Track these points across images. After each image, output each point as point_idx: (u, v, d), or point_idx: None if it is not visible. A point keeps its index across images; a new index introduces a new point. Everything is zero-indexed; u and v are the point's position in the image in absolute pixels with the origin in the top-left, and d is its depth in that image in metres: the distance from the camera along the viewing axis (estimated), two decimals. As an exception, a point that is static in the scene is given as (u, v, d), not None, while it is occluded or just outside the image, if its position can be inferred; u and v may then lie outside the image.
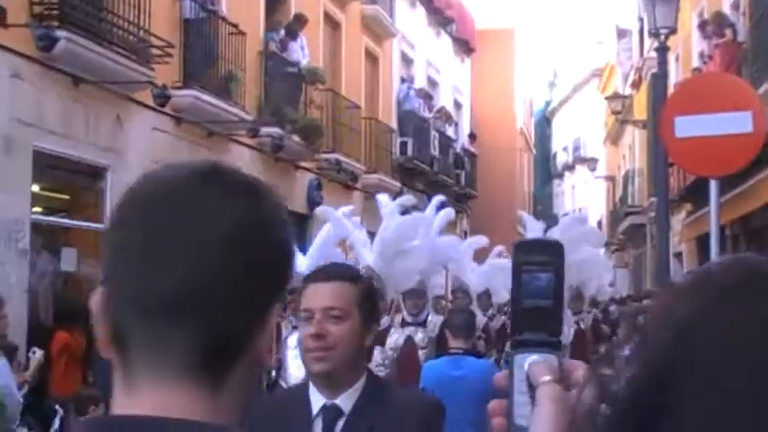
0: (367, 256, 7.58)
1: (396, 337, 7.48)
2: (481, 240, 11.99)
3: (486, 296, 12.36)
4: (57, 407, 7.68)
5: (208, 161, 1.18)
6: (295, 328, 7.76)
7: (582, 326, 11.60)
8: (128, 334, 1.06)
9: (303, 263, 8.02)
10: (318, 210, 8.65)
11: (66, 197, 12.25)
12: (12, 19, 9.44)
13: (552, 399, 1.02)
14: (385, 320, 7.44)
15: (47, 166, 10.90)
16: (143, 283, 1.05)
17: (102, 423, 1.18)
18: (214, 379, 1.06)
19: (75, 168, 11.63)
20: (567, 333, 8.76)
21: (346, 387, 2.59)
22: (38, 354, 7.99)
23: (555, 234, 8.69)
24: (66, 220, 11.91)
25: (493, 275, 12.27)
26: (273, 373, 8.16)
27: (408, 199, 9.05)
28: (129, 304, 1.06)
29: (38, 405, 8.43)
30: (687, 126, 6.67)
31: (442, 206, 9.87)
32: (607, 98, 33.74)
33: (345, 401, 2.58)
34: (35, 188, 10.74)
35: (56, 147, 10.81)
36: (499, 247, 13.74)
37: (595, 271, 11.86)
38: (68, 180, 11.95)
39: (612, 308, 21.19)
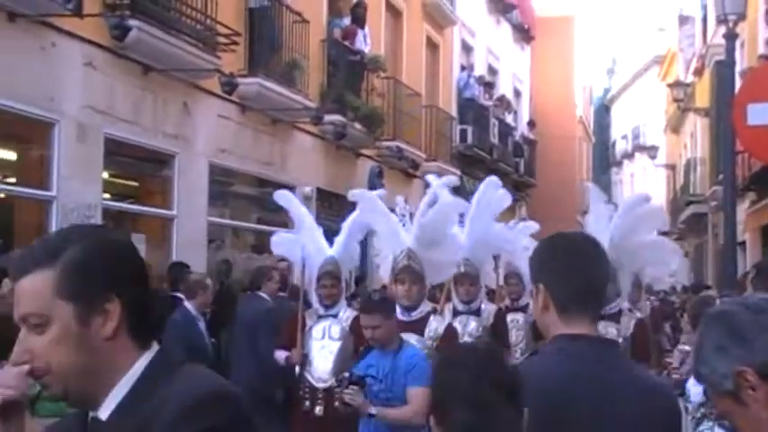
0: (405, 238, 7.06)
1: (435, 326, 6.82)
2: (533, 226, 11.40)
3: None
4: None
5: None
6: (320, 317, 7.58)
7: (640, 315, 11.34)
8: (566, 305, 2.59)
9: (330, 250, 7.68)
10: (351, 192, 7.84)
11: (135, 184, 12.47)
12: (86, 9, 9.61)
13: None
14: (423, 308, 6.90)
15: (117, 153, 11.10)
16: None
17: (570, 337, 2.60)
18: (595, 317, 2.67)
19: (144, 155, 11.84)
20: (627, 325, 8.24)
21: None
22: None
23: (617, 214, 8.17)
24: (134, 207, 12.12)
25: None
26: (298, 369, 7.60)
27: (450, 180, 8.24)
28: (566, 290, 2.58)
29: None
30: (760, 113, 6.62)
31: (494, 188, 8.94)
32: (669, 86, 33.36)
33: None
34: (105, 175, 10.96)
35: (125, 134, 11.02)
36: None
37: (658, 257, 10.96)
38: (137, 167, 12.16)
39: (672, 298, 21.02)
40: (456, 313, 8.11)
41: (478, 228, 8.11)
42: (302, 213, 7.98)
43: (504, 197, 8.51)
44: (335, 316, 7.58)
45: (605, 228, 7.47)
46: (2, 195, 10.17)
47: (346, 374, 5.93)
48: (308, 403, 7.36)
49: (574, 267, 2.63)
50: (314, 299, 7.77)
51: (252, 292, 9.87)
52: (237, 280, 12.51)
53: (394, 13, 20.01)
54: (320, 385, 7.35)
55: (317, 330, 7.56)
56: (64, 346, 1.88)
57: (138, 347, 1.96)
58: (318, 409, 7.28)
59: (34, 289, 1.89)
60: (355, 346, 7.38)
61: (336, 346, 7.49)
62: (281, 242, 8.02)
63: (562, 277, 2.62)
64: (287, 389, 9.04)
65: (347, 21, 16.66)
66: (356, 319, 7.55)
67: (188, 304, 9.11)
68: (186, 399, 1.85)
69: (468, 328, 7.98)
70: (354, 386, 5.75)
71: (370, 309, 6.05)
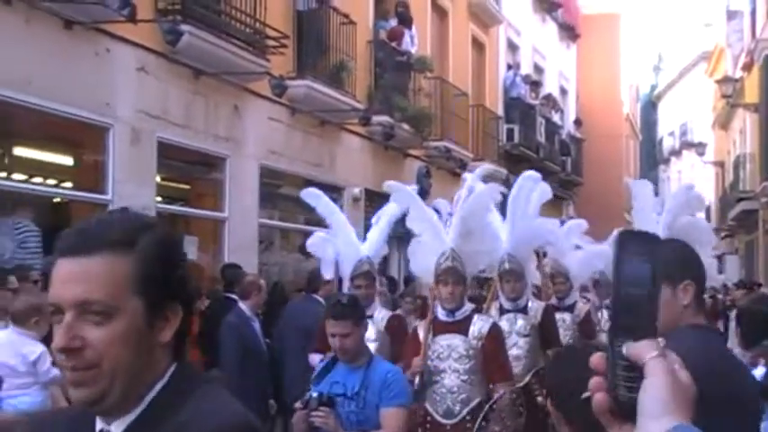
0: (445, 237, 6.74)
1: (480, 325, 6.54)
2: (582, 225, 10.88)
3: (604, 283, 10.97)
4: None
5: None
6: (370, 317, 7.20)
7: None
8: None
9: (365, 247, 7.54)
10: (387, 183, 7.43)
11: (187, 186, 12.62)
12: (139, 15, 9.75)
13: (663, 370, 1.21)
14: (466, 307, 6.63)
15: (169, 157, 11.24)
16: None
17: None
18: None
19: (195, 158, 11.97)
20: None
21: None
22: None
23: (667, 210, 7.92)
24: (187, 209, 12.27)
25: (601, 262, 10.71)
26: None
27: (486, 168, 8.07)
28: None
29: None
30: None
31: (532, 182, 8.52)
32: (717, 81, 33.01)
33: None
34: (158, 178, 11.10)
35: (178, 137, 11.15)
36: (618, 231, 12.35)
37: (694, 237, 10.15)
38: (189, 170, 12.30)
39: (720, 296, 20.78)
40: (503, 311, 7.93)
41: (520, 222, 7.88)
42: (332, 211, 7.84)
43: (544, 190, 8.33)
44: (370, 317, 7.30)
45: (652, 222, 7.39)
46: (59, 199, 10.36)
47: (314, 393, 5.04)
48: None
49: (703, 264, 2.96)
50: None
51: (307, 293, 9.92)
52: (290, 281, 12.61)
53: (440, 12, 20.02)
54: None
55: (370, 332, 7.12)
56: (125, 343, 1.68)
57: (171, 360, 1.80)
58: None
59: (106, 274, 1.68)
60: (392, 348, 7.26)
61: (373, 347, 7.05)
62: (315, 242, 7.89)
63: (703, 273, 2.90)
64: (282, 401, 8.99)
65: (393, 22, 16.72)
66: (392, 319, 7.60)
67: (242, 305, 9.22)
68: (208, 429, 1.68)
69: (516, 327, 7.83)
70: (325, 407, 4.94)
71: (340, 314, 5.14)
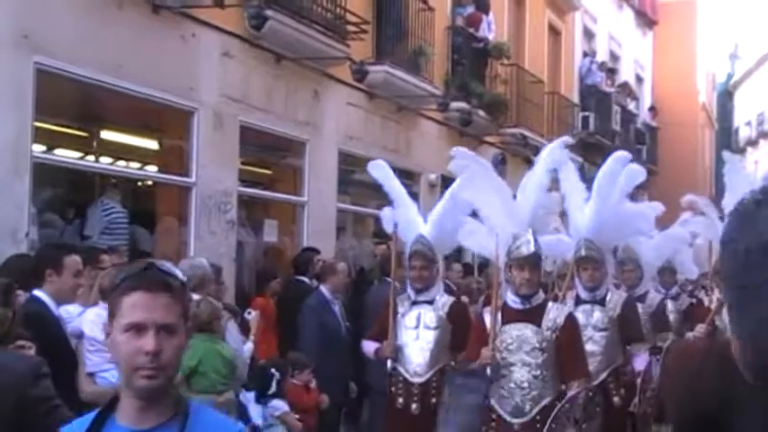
0: (521, 216, 6.23)
1: (554, 315, 6.04)
2: (658, 207, 9.44)
3: (669, 271, 10.26)
4: (272, 370, 7.97)
5: None
6: (415, 303, 6.99)
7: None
8: None
9: (424, 228, 7.01)
10: (455, 150, 6.92)
11: (267, 171, 12.75)
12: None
13: None
14: (540, 295, 6.18)
15: (250, 141, 11.37)
16: None
17: None
18: None
19: (276, 143, 12.10)
20: None
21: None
22: (253, 314, 8.32)
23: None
24: (267, 193, 12.40)
25: (671, 247, 10.17)
26: (390, 363, 6.94)
27: (566, 140, 7.20)
28: None
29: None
30: None
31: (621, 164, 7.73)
32: (797, 70, 32.31)
33: None
34: (239, 161, 11.25)
35: (259, 122, 11.27)
36: (688, 213, 11.18)
37: None
38: (269, 154, 12.43)
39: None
40: (579, 302, 7.37)
41: (605, 207, 7.22)
42: (394, 186, 7.45)
43: (636, 172, 7.58)
44: (431, 302, 6.98)
45: None
46: (146, 182, 10.56)
47: None
48: (401, 400, 6.85)
49: None
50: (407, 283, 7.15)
51: (382, 277, 9.95)
52: (374, 267, 12.66)
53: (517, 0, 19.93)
54: (416, 380, 6.84)
55: (410, 318, 6.97)
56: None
57: None
58: (415, 407, 6.78)
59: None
60: (454, 335, 6.85)
61: (432, 335, 6.90)
62: (386, 218, 7.48)
63: None
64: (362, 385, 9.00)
65: (471, 8, 16.67)
66: (454, 305, 7.11)
67: (323, 288, 9.31)
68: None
69: (593, 320, 7.25)
70: None
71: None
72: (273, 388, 7.87)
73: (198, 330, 6.47)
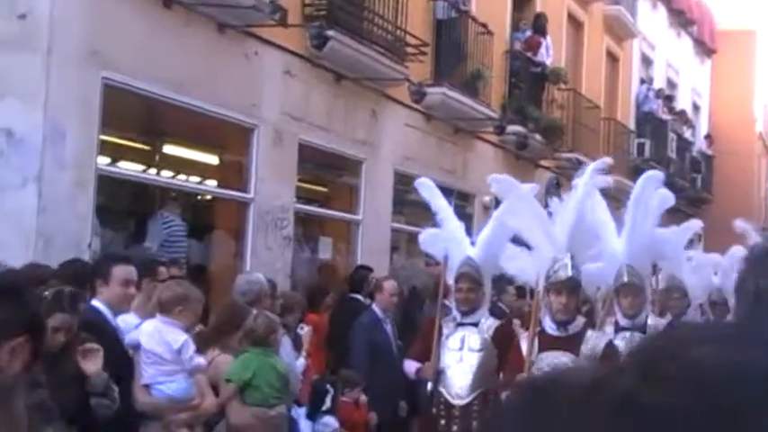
0: (560, 239, 6.06)
1: (594, 343, 5.94)
2: (695, 226, 9.37)
3: (720, 302, 9.43)
4: (327, 386, 8.04)
5: None
6: (460, 325, 6.90)
7: None
8: None
9: (471, 250, 6.91)
10: (492, 177, 6.81)
11: (324, 188, 12.89)
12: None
13: None
14: (578, 321, 6.08)
15: (307, 158, 11.50)
16: None
17: None
18: None
19: (333, 161, 12.23)
20: None
21: None
22: (306, 329, 8.39)
23: None
24: (323, 210, 12.53)
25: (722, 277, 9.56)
26: (430, 385, 6.90)
27: (604, 161, 6.99)
28: None
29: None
30: None
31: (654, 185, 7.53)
32: None
33: None
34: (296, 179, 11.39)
35: (318, 140, 11.42)
36: (737, 247, 10.26)
37: None
38: (326, 172, 12.57)
39: None
40: (618, 329, 7.19)
41: (640, 231, 7.09)
42: (442, 206, 7.33)
43: (665, 197, 7.46)
44: (476, 324, 6.90)
45: None
46: (205, 196, 10.74)
47: None
48: (443, 422, 6.77)
49: None
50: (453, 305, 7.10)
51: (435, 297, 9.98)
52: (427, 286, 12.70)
53: (575, 24, 19.91)
54: (457, 402, 6.77)
55: (454, 340, 6.90)
56: None
57: None
58: (456, 429, 6.70)
59: None
60: (499, 359, 6.78)
61: (476, 358, 6.81)
62: (427, 239, 7.42)
63: None
64: (413, 403, 8.79)
65: (528, 32, 16.71)
66: (500, 328, 7.00)
67: (375, 307, 9.38)
68: None
69: (631, 347, 7.17)
70: None
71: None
72: (327, 404, 7.93)
73: (253, 344, 6.57)
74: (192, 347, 6.29)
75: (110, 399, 4.97)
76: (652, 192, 7.26)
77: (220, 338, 6.74)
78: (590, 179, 6.47)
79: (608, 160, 7.42)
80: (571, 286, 5.92)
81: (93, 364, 4.87)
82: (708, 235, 25.60)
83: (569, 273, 5.88)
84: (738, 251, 10.22)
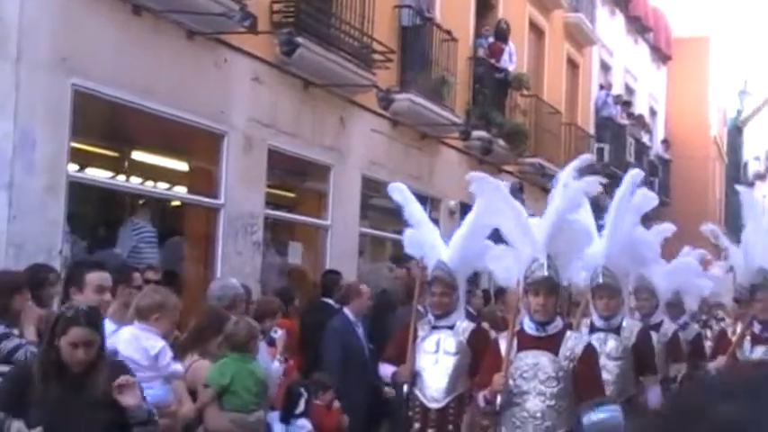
0: (539, 237, 5.90)
1: (573, 344, 5.79)
2: (669, 228, 9.30)
3: (676, 301, 10.07)
4: (301, 389, 8.06)
5: None
6: (435, 328, 6.90)
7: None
8: None
9: (445, 253, 6.85)
10: (471, 175, 6.58)
11: (292, 194, 12.92)
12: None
13: None
14: (558, 322, 5.93)
15: (277, 164, 11.53)
16: None
17: None
18: None
19: (302, 167, 12.28)
20: None
21: None
22: (280, 333, 8.38)
23: None
24: (292, 216, 12.57)
25: (683, 276, 10.02)
26: (406, 387, 6.87)
27: (585, 159, 6.68)
28: None
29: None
30: None
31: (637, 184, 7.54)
32: (810, 107, 32.53)
33: None
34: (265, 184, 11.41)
35: (287, 146, 11.46)
36: (687, 248, 11.25)
37: None
38: (295, 177, 12.61)
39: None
40: (593, 329, 7.23)
41: (620, 231, 7.06)
42: (415, 210, 7.30)
43: (647, 198, 7.53)
44: (451, 327, 6.89)
45: (765, 239, 6.85)
46: (175, 202, 10.73)
47: None
48: (418, 425, 6.77)
49: None
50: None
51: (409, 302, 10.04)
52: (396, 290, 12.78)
53: (536, 31, 20.16)
54: (432, 405, 6.76)
55: (430, 343, 6.89)
56: None
57: None
58: None
59: None
60: (474, 362, 6.73)
61: (452, 361, 6.79)
62: (410, 241, 7.26)
63: None
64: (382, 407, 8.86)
65: (491, 39, 16.88)
66: (474, 331, 6.98)
67: (347, 310, 9.43)
68: None
69: (607, 348, 7.06)
70: None
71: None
72: (301, 407, 7.95)
73: (232, 349, 6.59)
74: (169, 354, 6.28)
75: (152, 424, 4.91)
76: (634, 192, 7.21)
77: (199, 344, 6.76)
78: (573, 179, 6.23)
79: (590, 157, 7.35)
80: (549, 286, 5.79)
81: (131, 398, 4.79)
82: (666, 238, 25.68)
83: (545, 273, 5.76)
84: (693, 253, 10.59)
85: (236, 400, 6.64)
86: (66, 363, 4.69)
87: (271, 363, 7.50)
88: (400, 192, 7.36)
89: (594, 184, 6.42)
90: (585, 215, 6.95)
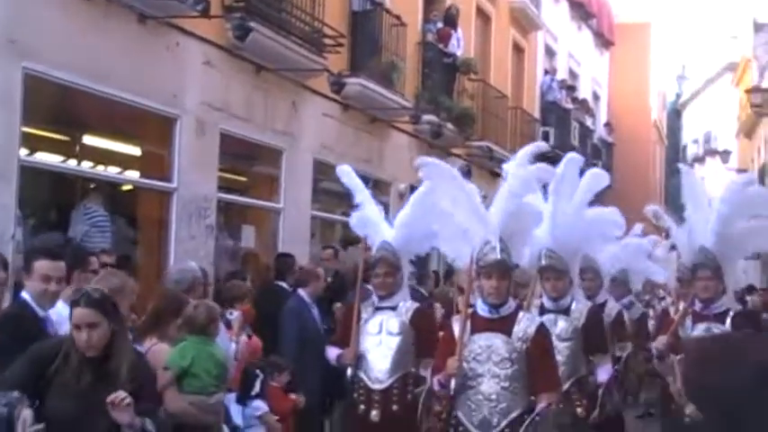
0: (492, 220, 5.80)
1: (525, 325, 5.72)
2: (614, 213, 8.33)
3: (622, 281, 10.30)
4: (257, 371, 8.10)
5: None
6: (379, 309, 6.92)
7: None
8: None
9: (389, 233, 6.90)
10: (419, 160, 6.35)
11: (245, 178, 12.94)
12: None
13: None
14: (511, 303, 5.85)
15: (229, 148, 11.53)
16: None
17: None
18: None
19: (254, 151, 12.30)
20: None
21: None
22: (235, 314, 8.40)
23: (722, 199, 7.01)
24: (245, 199, 12.59)
25: (629, 257, 10.06)
26: (350, 370, 6.91)
27: (539, 146, 6.47)
28: None
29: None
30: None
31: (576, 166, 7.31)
32: (747, 91, 33.25)
33: None
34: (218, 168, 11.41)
35: (239, 130, 11.47)
36: (639, 225, 11.31)
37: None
38: (247, 161, 12.62)
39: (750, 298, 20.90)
40: (543, 311, 7.26)
41: (564, 213, 7.03)
42: (361, 191, 7.29)
43: (599, 176, 7.43)
44: (394, 308, 6.91)
45: (706, 218, 6.77)
46: (128, 187, 10.69)
47: None
48: (363, 407, 6.78)
49: None
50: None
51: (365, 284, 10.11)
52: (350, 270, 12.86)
53: (483, 17, 20.34)
54: (376, 386, 6.77)
55: (373, 324, 6.91)
56: None
57: None
58: (374, 414, 6.71)
59: None
60: (417, 342, 6.78)
61: (395, 342, 6.82)
62: (357, 222, 7.29)
63: None
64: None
65: (439, 24, 17.00)
66: (418, 311, 6.97)
67: (302, 292, 9.49)
68: None
69: (556, 329, 7.04)
70: None
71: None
72: (257, 389, 7.98)
73: (192, 332, 6.62)
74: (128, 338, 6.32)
75: None
76: (574, 174, 7.13)
77: (158, 327, 6.75)
78: (524, 165, 6.09)
79: (544, 144, 7.49)
80: (501, 269, 5.70)
81: (125, 416, 4.57)
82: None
83: (498, 255, 5.68)
84: (646, 239, 10.75)
85: (197, 383, 6.64)
86: (78, 346, 4.63)
87: (229, 345, 7.53)
88: (347, 174, 7.38)
89: (549, 171, 6.44)
90: (536, 199, 6.82)
